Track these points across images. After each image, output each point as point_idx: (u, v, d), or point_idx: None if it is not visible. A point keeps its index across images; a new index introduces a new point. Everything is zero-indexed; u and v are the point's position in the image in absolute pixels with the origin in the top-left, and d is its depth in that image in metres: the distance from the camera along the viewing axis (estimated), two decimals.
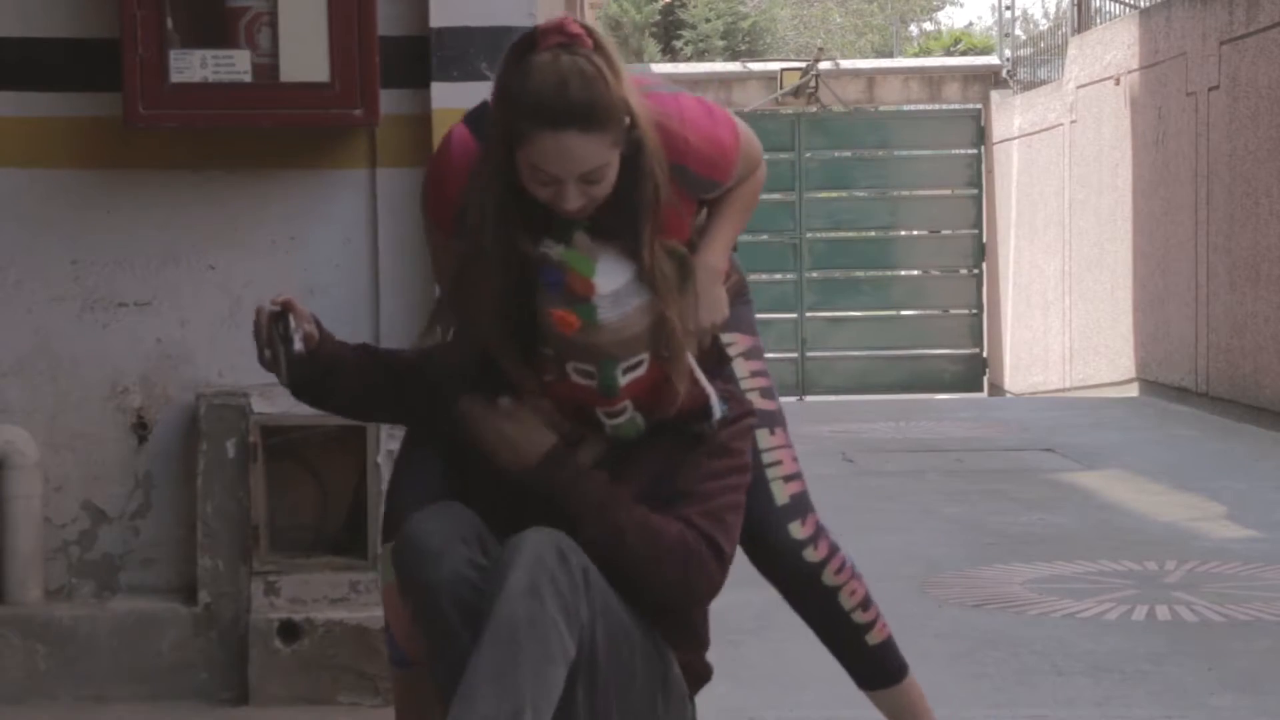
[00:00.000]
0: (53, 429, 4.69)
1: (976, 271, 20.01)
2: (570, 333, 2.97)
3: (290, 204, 4.67)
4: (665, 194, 3.05)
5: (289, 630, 4.52)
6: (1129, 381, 14.45)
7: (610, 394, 3.01)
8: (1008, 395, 18.42)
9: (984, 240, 19.87)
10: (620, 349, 3.01)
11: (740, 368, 3.44)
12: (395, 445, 4.55)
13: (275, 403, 4.59)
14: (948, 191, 20.13)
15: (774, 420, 3.47)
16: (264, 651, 4.54)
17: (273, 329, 3.14)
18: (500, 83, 3.04)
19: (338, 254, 4.68)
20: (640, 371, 3.03)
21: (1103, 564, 6.62)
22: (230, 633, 4.61)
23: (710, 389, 3.12)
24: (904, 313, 20.23)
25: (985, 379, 19.92)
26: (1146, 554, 6.78)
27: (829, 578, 3.51)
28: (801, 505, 3.49)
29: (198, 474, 4.61)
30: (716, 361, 3.24)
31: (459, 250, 3.13)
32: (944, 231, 19.97)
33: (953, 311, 20.08)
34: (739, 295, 3.45)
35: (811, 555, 3.49)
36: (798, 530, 3.48)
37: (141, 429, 4.70)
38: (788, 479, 3.47)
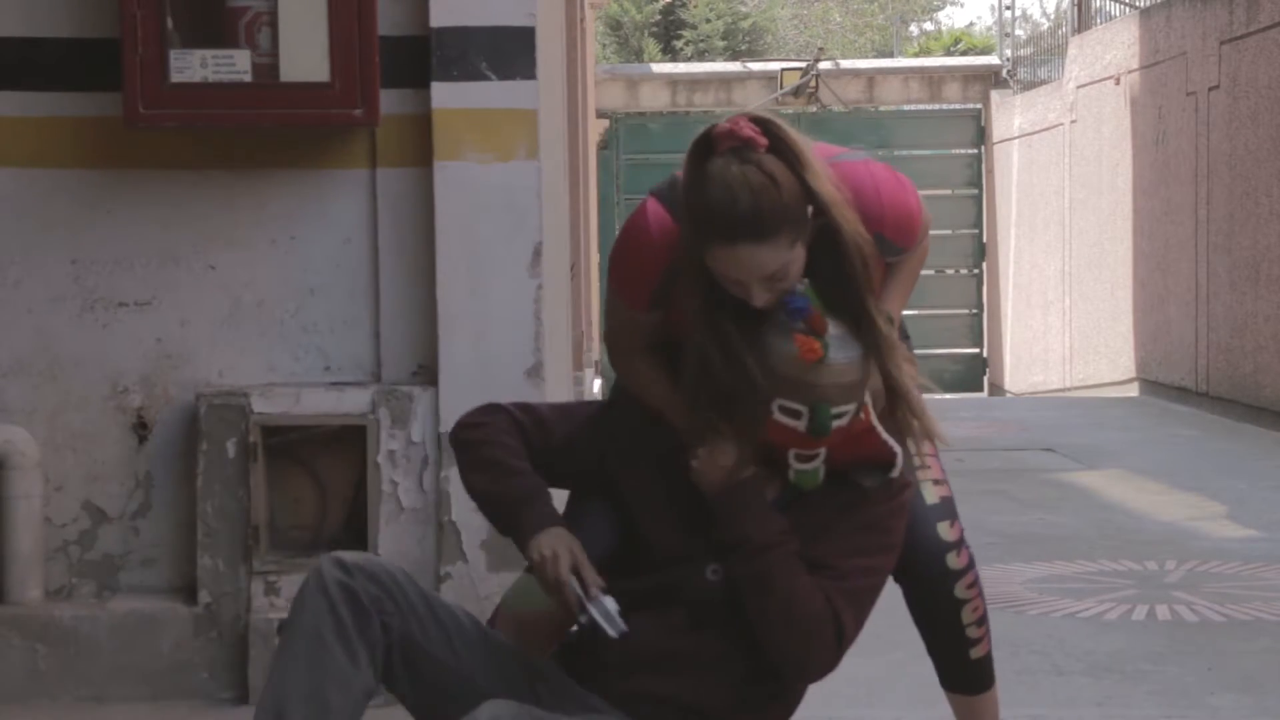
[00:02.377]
0: (53, 429, 4.69)
1: (976, 271, 20.02)
2: (814, 359, 2.98)
3: (290, 204, 4.67)
4: (873, 262, 3.08)
5: None
6: (1129, 381, 14.46)
7: (822, 434, 3.02)
8: (1008, 395, 18.43)
9: (984, 240, 19.88)
10: (837, 393, 3.02)
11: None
12: (395, 445, 4.57)
13: (275, 403, 4.59)
14: (948, 191, 20.13)
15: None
16: (264, 651, 4.53)
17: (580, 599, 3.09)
18: (684, 188, 3.06)
19: (338, 254, 4.68)
20: (844, 421, 3.04)
21: (1103, 564, 6.62)
22: (230, 633, 4.61)
23: (893, 442, 3.14)
24: (904, 313, 20.19)
25: (985, 379, 19.93)
26: (1146, 554, 6.78)
27: (961, 590, 3.50)
28: (950, 509, 3.49)
29: (198, 474, 4.61)
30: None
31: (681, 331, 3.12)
32: (944, 231, 19.98)
33: (953, 311, 20.09)
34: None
35: (954, 562, 3.48)
36: (946, 531, 3.47)
37: (141, 429, 4.70)
38: (937, 482, 3.47)
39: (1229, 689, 4.84)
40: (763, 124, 3.01)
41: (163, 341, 4.69)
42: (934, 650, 3.60)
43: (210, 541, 4.61)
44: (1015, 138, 18.89)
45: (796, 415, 3.01)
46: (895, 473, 3.14)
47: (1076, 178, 16.31)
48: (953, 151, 20.24)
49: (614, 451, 3.19)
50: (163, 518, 4.71)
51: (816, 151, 3.10)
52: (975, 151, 20.14)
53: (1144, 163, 14.13)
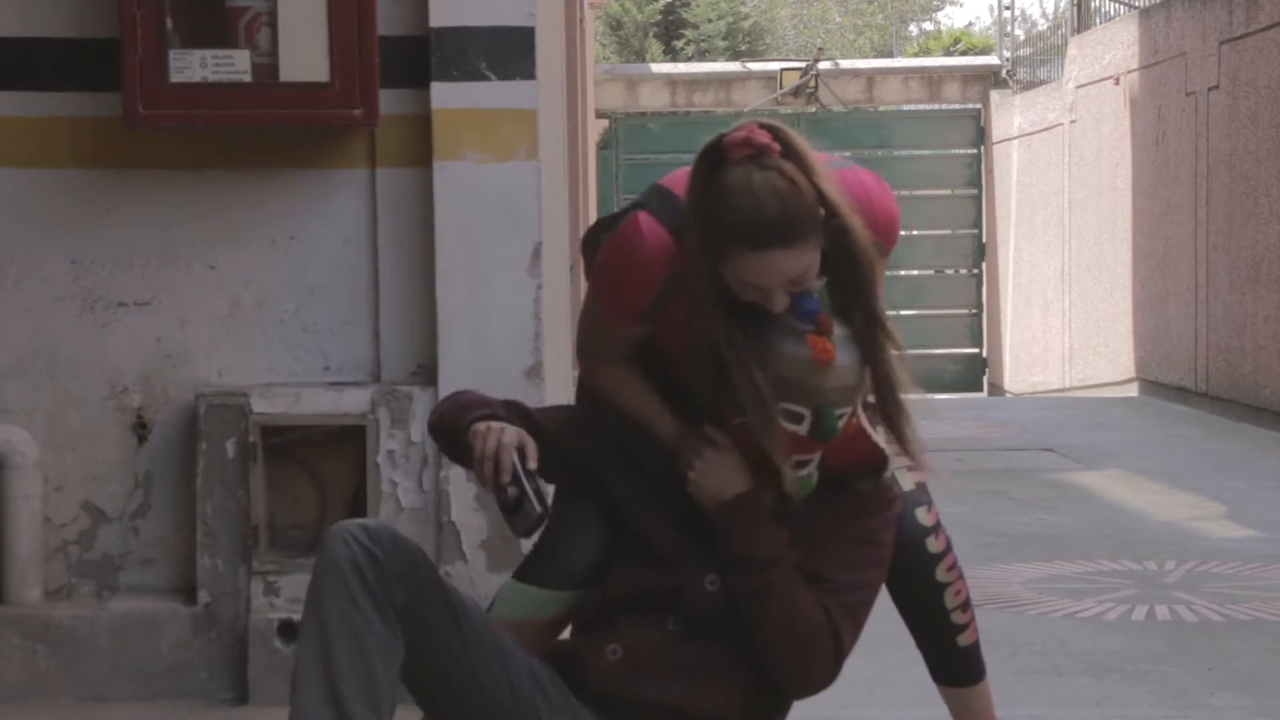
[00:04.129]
0: (53, 429, 4.69)
1: (976, 271, 20.02)
2: (827, 360, 2.97)
3: (290, 204, 4.67)
4: (878, 269, 3.08)
5: (289, 630, 4.52)
6: (1129, 381, 14.46)
7: (829, 437, 3.02)
8: (1008, 395, 18.43)
9: (984, 240, 19.88)
10: (839, 396, 3.02)
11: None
12: (395, 446, 4.57)
13: (275, 403, 4.59)
14: (948, 191, 20.14)
15: None
16: (264, 651, 4.54)
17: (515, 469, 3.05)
18: (694, 199, 3.02)
19: (338, 254, 4.68)
20: (844, 421, 3.04)
21: (1103, 564, 6.62)
22: (230, 633, 4.61)
23: (884, 444, 3.14)
24: (904, 313, 20.20)
25: (985, 379, 19.93)
26: (1146, 554, 6.78)
27: (941, 573, 3.52)
28: (926, 494, 3.51)
29: (197, 474, 4.61)
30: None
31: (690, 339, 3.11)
32: (944, 231, 19.98)
33: (952, 311, 20.09)
34: None
35: (933, 546, 3.50)
36: (924, 516, 3.50)
37: (141, 429, 4.70)
38: (910, 469, 3.48)
39: (1229, 689, 4.84)
40: (772, 130, 3.00)
41: (162, 341, 4.69)
42: (922, 641, 3.61)
43: (210, 541, 4.61)
44: (1015, 138, 18.90)
45: (799, 419, 3.01)
46: (887, 474, 3.14)
47: (1076, 178, 16.31)
48: (952, 151, 20.23)
49: (601, 454, 3.18)
50: (162, 518, 4.71)
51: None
52: (975, 151, 20.14)
53: (1144, 163, 14.13)
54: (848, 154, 21.24)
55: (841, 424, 3.03)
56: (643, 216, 3.14)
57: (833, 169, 3.18)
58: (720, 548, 3.05)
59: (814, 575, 3.06)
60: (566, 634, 3.28)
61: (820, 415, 3.00)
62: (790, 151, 3.00)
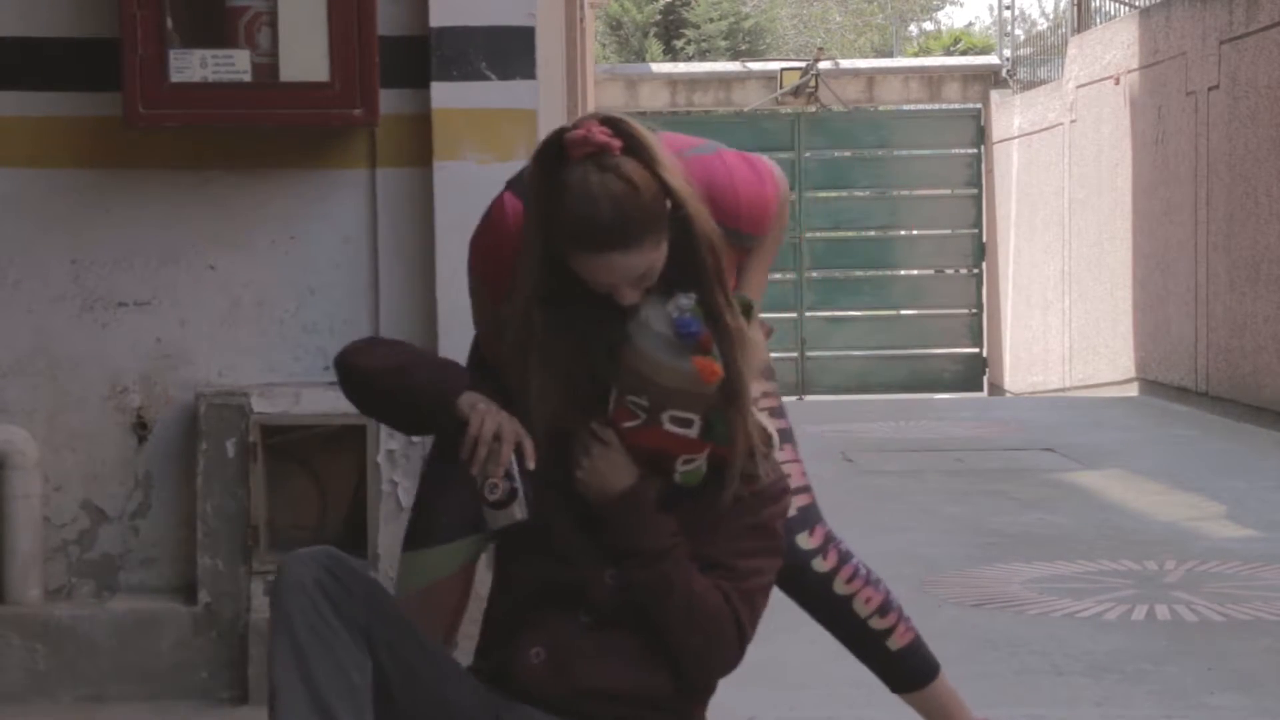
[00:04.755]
0: (53, 429, 4.69)
1: (976, 271, 20.01)
2: (714, 380, 2.98)
3: (290, 204, 4.68)
4: (724, 258, 3.07)
5: None
6: (1129, 381, 14.45)
7: (721, 440, 3.03)
8: (1008, 395, 18.42)
9: (984, 240, 19.87)
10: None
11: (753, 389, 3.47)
12: (395, 445, 4.57)
13: (275, 403, 4.59)
14: (947, 191, 20.12)
15: (784, 437, 3.51)
16: (264, 651, 4.52)
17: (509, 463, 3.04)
18: (533, 197, 3.03)
19: (338, 254, 4.69)
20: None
21: (1103, 564, 6.62)
22: (230, 632, 4.61)
23: (768, 423, 3.15)
24: (904, 312, 20.22)
25: (985, 379, 19.92)
26: (1146, 554, 6.78)
27: (840, 586, 3.55)
28: (809, 517, 3.54)
29: (198, 474, 4.61)
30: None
31: (516, 328, 3.12)
32: (944, 231, 19.97)
33: (953, 311, 20.08)
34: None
35: (820, 565, 3.54)
36: (805, 541, 3.53)
37: (141, 429, 4.70)
38: (796, 492, 3.50)
39: (1229, 689, 4.84)
40: (612, 124, 2.97)
41: (162, 341, 4.69)
42: (859, 656, 3.67)
43: (210, 541, 4.61)
44: (1015, 138, 18.89)
45: (688, 424, 3.02)
46: (777, 448, 3.14)
47: (1076, 178, 16.31)
48: (952, 151, 20.22)
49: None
50: (162, 518, 4.71)
51: (666, 144, 3.08)
52: (975, 151, 20.13)
53: (1144, 163, 14.12)
54: (848, 154, 21.06)
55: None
56: (508, 196, 3.18)
57: (695, 156, 3.17)
58: (610, 543, 3.05)
59: (709, 561, 3.06)
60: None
61: (710, 420, 3.01)
62: (633, 145, 2.97)
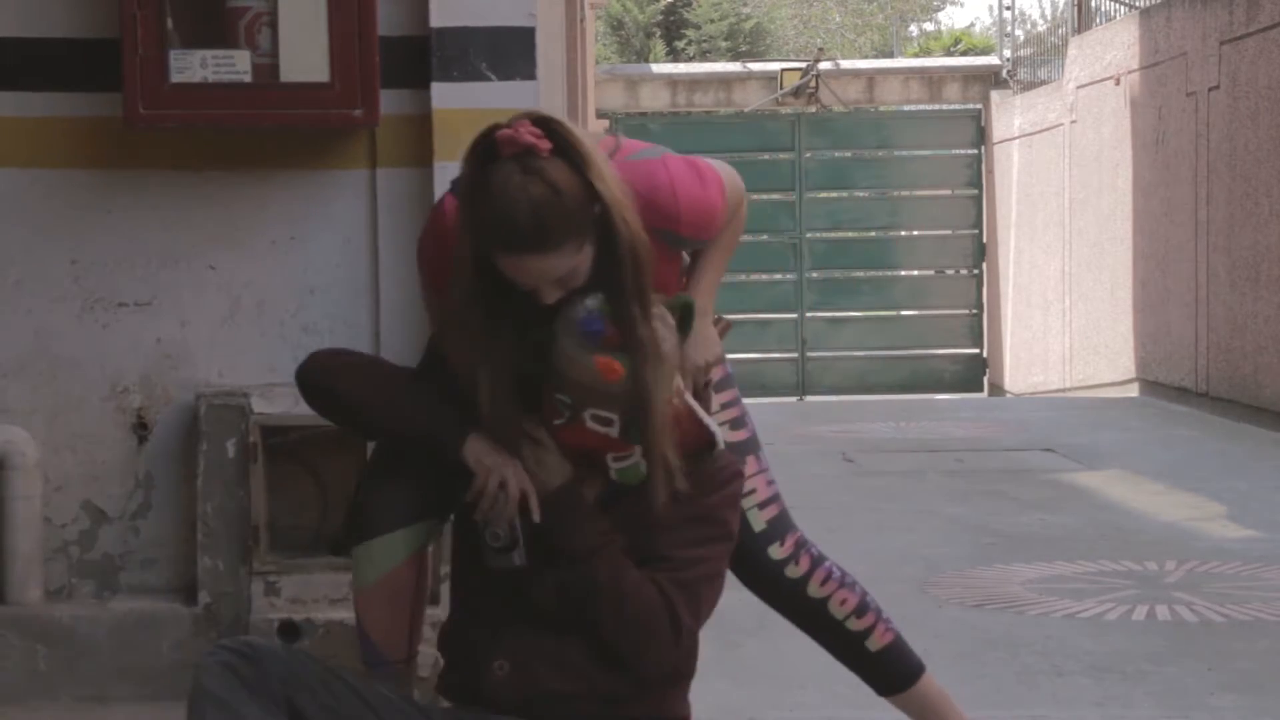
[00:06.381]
0: (53, 429, 4.69)
1: (976, 271, 20.01)
2: (615, 379, 2.98)
3: (290, 204, 4.67)
4: (648, 267, 3.07)
5: (289, 630, 4.52)
6: (1129, 381, 14.46)
7: (638, 439, 3.04)
8: (1008, 395, 18.42)
9: (984, 240, 19.88)
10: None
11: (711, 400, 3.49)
12: None
13: (275, 403, 4.59)
14: (948, 191, 20.13)
15: (746, 449, 3.55)
16: None
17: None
18: (462, 192, 3.06)
19: (338, 254, 4.68)
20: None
21: (1103, 564, 6.62)
22: (230, 633, 4.61)
23: (711, 423, 3.16)
24: (904, 313, 20.23)
25: (985, 379, 19.92)
26: (1146, 554, 6.78)
27: (814, 590, 3.58)
28: (778, 527, 3.58)
29: (198, 474, 4.61)
30: (704, 399, 3.28)
31: (452, 322, 3.16)
32: (944, 231, 19.97)
33: (953, 311, 20.09)
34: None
35: (793, 572, 3.58)
36: (776, 551, 3.58)
37: (141, 429, 4.70)
38: (763, 505, 3.56)
39: (1229, 689, 4.84)
40: (545, 124, 2.98)
41: (162, 342, 4.69)
42: (841, 659, 3.72)
43: (210, 542, 4.61)
44: (1015, 138, 18.90)
45: (609, 423, 3.03)
46: (719, 446, 3.15)
47: (1076, 178, 16.31)
48: (952, 152, 20.23)
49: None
50: (163, 518, 4.71)
51: (608, 148, 3.10)
52: (975, 152, 20.14)
53: (1144, 163, 14.13)
54: (848, 154, 21.14)
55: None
56: (449, 197, 3.20)
57: (637, 161, 3.18)
58: (543, 541, 3.07)
59: (650, 554, 3.07)
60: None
61: (629, 420, 3.02)
62: (562, 147, 2.98)
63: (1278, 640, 5.43)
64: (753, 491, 3.52)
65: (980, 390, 19.71)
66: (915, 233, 20.16)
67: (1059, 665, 5.12)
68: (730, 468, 3.20)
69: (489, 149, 2.99)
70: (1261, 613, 5.77)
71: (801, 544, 3.59)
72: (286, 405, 4.60)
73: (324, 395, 3.27)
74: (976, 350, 20.06)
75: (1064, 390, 16.37)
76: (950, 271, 20.37)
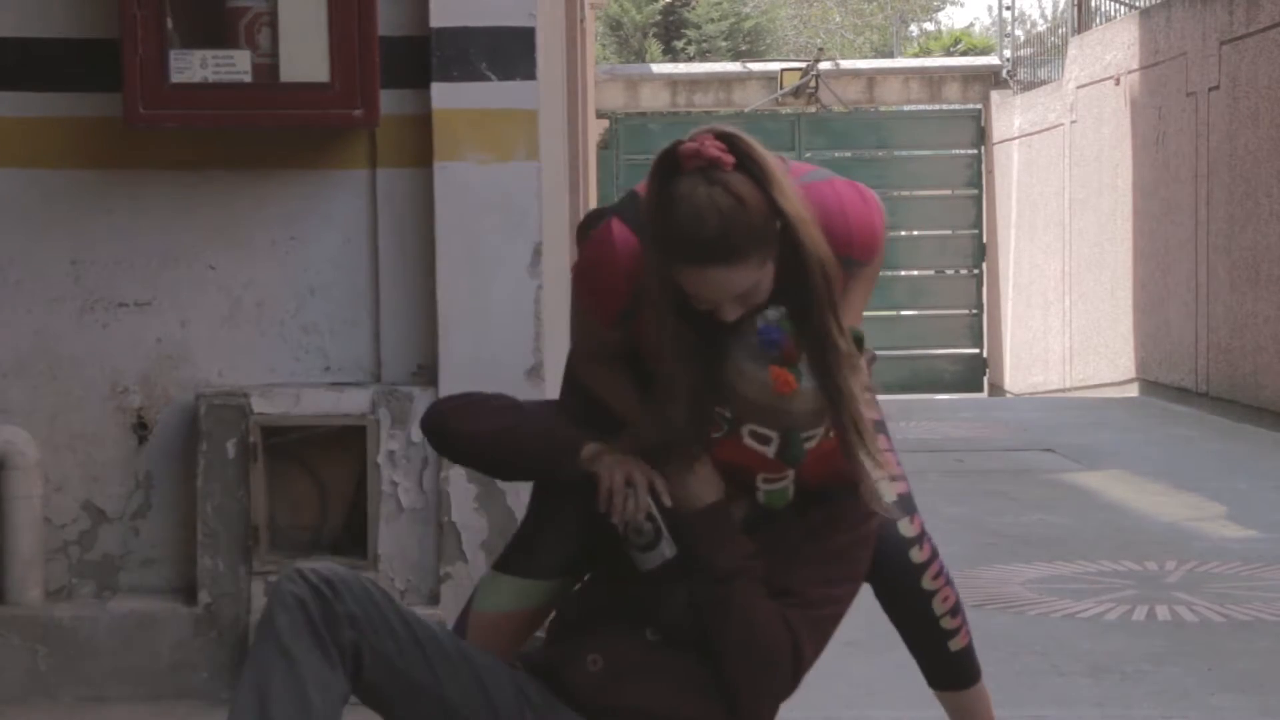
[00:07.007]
0: (53, 429, 4.69)
1: (976, 271, 20.01)
2: (788, 392, 2.97)
3: (290, 204, 4.67)
4: (837, 280, 3.06)
5: None
6: (1129, 381, 14.45)
7: (794, 461, 3.03)
8: (1008, 395, 18.42)
9: (984, 240, 19.88)
10: (808, 420, 3.02)
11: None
12: (395, 446, 4.57)
13: (275, 403, 4.59)
14: (948, 191, 20.13)
15: (878, 428, 3.48)
16: None
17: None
18: (648, 207, 3.03)
19: (338, 254, 4.68)
20: (813, 444, 3.05)
21: (1103, 564, 6.62)
22: (230, 633, 4.61)
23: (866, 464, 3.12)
24: (904, 313, 20.23)
25: (985, 379, 19.92)
26: (1146, 554, 6.78)
27: (928, 581, 3.53)
28: (908, 505, 3.52)
29: (198, 474, 4.61)
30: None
31: (643, 346, 3.13)
32: (944, 231, 19.98)
33: (953, 312, 20.09)
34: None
35: (917, 555, 3.51)
36: (906, 528, 3.50)
37: (141, 429, 4.70)
38: (893, 479, 3.48)
39: (1229, 689, 4.84)
40: (728, 140, 2.97)
41: (163, 341, 4.69)
42: (914, 647, 3.63)
43: (210, 542, 4.61)
44: (1015, 138, 18.89)
45: (766, 441, 3.01)
46: (865, 489, 3.12)
47: (1076, 178, 16.31)
48: (952, 152, 20.23)
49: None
50: (163, 518, 4.71)
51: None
52: (975, 152, 20.14)
53: (1144, 163, 14.12)
54: (848, 154, 21.06)
55: (810, 446, 3.03)
56: (615, 223, 3.16)
57: (809, 181, 3.16)
58: (684, 552, 3.05)
59: (783, 589, 3.05)
60: (543, 633, 3.28)
61: (788, 439, 3.00)
62: (745, 162, 2.96)
63: (1278, 640, 5.43)
64: (884, 464, 3.48)
65: (980, 390, 19.71)
66: (915, 233, 20.15)
67: (1059, 665, 5.12)
68: (869, 505, 3.16)
69: (672, 163, 2.97)
70: (1261, 613, 5.77)
71: (925, 531, 3.55)
72: (286, 405, 4.60)
73: (435, 436, 3.25)
74: (976, 350, 20.06)
75: (1064, 390, 16.37)
76: (950, 271, 20.37)
